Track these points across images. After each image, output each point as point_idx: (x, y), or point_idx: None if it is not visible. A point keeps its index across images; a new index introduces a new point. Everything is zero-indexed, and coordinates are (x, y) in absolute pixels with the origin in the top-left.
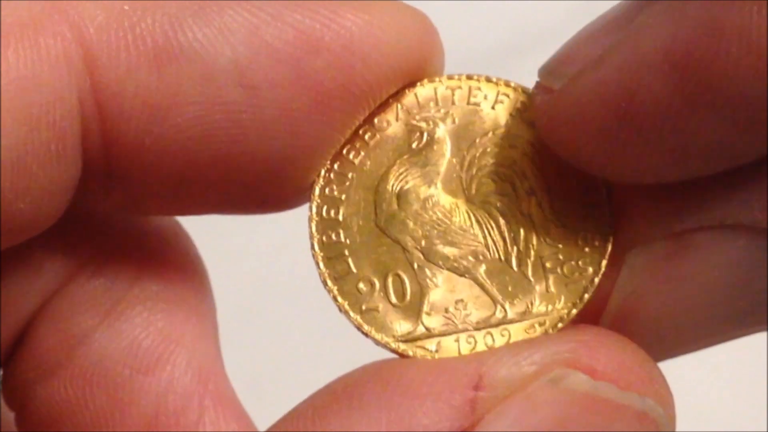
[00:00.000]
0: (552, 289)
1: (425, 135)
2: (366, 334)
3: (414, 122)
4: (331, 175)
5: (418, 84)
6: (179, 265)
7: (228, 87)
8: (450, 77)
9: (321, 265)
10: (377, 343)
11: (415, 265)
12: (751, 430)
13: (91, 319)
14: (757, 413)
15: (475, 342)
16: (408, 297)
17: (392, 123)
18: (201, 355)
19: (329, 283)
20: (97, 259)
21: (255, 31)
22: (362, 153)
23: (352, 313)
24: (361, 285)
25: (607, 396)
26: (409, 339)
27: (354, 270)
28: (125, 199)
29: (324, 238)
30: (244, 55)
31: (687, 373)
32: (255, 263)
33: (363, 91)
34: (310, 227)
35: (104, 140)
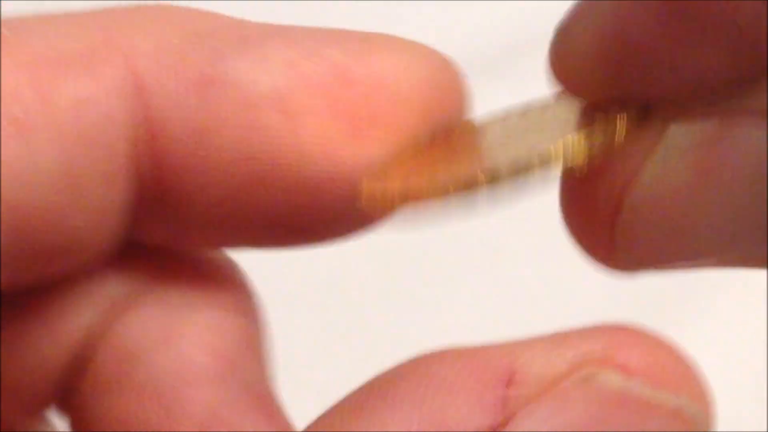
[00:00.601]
0: None
1: None
2: None
3: None
4: None
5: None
6: (233, 291)
7: (266, 113)
8: None
9: None
10: None
11: None
12: (751, 430)
13: (149, 339)
14: (757, 413)
15: None
16: None
17: None
18: (250, 372)
19: None
20: (155, 285)
21: (292, 63)
22: None
23: None
24: None
25: (640, 394)
26: None
27: None
28: (176, 227)
29: None
30: (282, 84)
31: None
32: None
33: (391, 124)
34: None
35: (154, 162)
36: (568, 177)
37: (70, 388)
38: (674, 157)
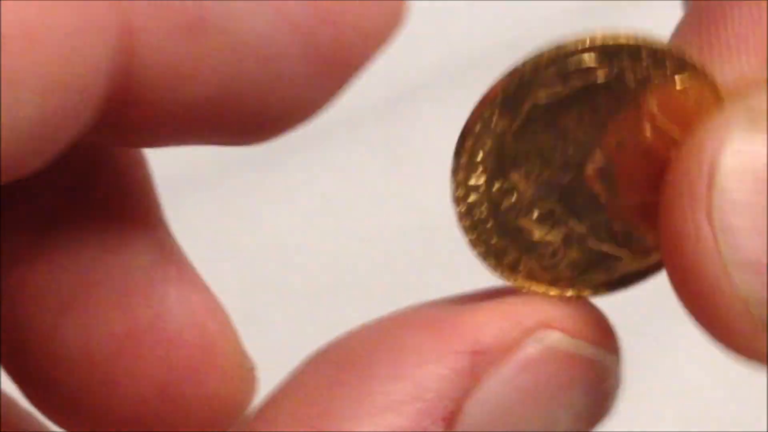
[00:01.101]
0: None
1: None
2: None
3: None
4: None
5: None
6: (128, 155)
7: (248, 58)
8: None
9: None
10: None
11: None
12: (751, 430)
13: (49, 205)
14: (757, 413)
15: None
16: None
17: None
18: (158, 232)
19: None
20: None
21: (279, 7)
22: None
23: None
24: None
25: (583, 352)
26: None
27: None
28: (122, 141)
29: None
30: (267, 30)
31: (687, 373)
32: (256, 259)
33: (356, 64)
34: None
35: (125, 102)
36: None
37: None
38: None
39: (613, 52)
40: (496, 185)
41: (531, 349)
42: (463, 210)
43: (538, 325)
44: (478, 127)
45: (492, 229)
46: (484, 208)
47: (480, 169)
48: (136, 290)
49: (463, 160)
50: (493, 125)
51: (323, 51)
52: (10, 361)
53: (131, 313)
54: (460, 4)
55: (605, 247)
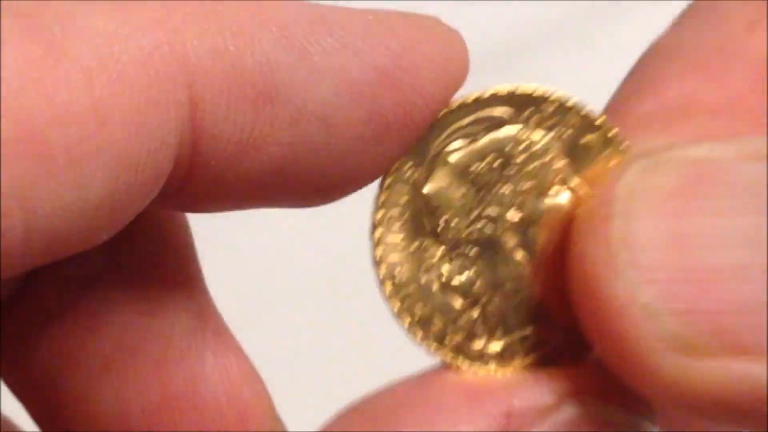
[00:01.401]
0: None
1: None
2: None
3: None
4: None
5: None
6: (171, 219)
7: (313, 128)
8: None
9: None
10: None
11: None
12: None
13: (93, 265)
14: None
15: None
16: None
17: None
18: (197, 291)
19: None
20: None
21: (341, 72)
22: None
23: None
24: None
25: (617, 418)
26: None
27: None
28: (176, 206)
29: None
30: (329, 97)
31: None
32: (261, 263)
33: (417, 121)
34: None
35: (189, 173)
36: None
37: (11, 323)
38: None
39: (522, 103)
40: (415, 243)
41: (565, 414)
42: (384, 272)
43: (572, 391)
44: (390, 180)
45: (415, 295)
46: (405, 268)
47: (397, 224)
48: (173, 356)
49: (379, 215)
50: (406, 177)
51: (386, 114)
52: (43, 423)
53: (168, 379)
54: (461, 4)
55: (527, 330)
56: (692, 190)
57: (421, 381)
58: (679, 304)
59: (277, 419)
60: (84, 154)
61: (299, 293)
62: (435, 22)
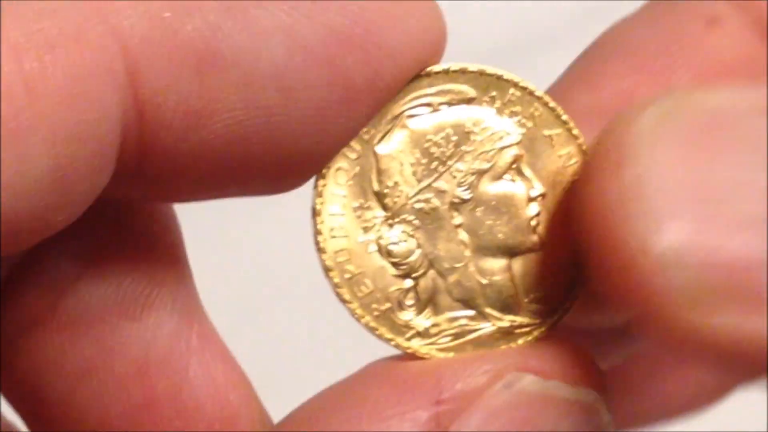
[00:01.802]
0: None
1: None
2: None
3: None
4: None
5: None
6: (157, 221)
7: (266, 91)
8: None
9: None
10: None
11: None
12: (751, 430)
13: (74, 269)
14: (757, 413)
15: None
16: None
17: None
18: (183, 296)
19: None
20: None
21: (291, 32)
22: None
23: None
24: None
25: (558, 393)
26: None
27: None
28: (144, 193)
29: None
30: (281, 58)
31: None
32: (254, 257)
33: (388, 84)
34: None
35: (141, 147)
36: None
37: None
38: None
39: (489, 84)
40: (359, 200)
41: (499, 395)
42: (321, 224)
43: (505, 370)
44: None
45: (350, 253)
46: (343, 224)
47: (344, 178)
48: (156, 360)
49: (328, 167)
50: (361, 132)
51: (352, 76)
52: (31, 424)
53: (150, 384)
54: (461, 4)
55: (459, 311)
56: (710, 141)
57: (355, 378)
58: (694, 256)
59: (266, 423)
60: (19, 128)
61: (293, 291)
62: None
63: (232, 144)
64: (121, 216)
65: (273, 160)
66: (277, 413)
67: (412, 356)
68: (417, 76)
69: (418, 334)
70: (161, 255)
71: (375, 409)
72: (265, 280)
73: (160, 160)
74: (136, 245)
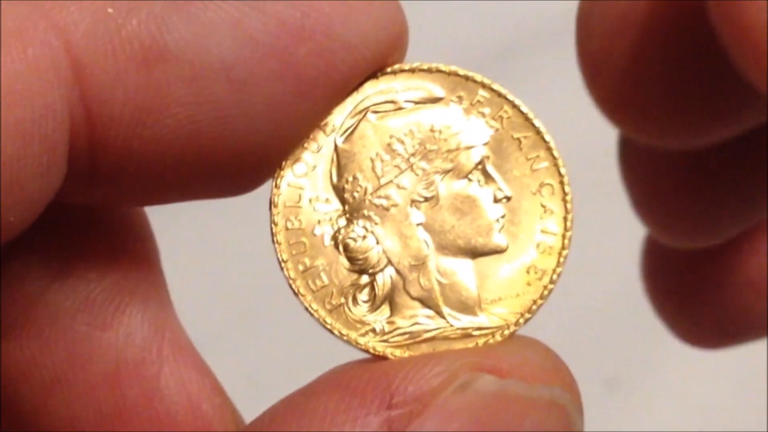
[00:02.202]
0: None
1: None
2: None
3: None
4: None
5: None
6: (129, 228)
7: (215, 84)
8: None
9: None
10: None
11: None
12: (751, 430)
13: (43, 277)
14: (757, 413)
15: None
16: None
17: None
18: (155, 305)
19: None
20: (48, 221)
21: (239, 25)
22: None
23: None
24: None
25: (516, 392)
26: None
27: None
28: (103, 195)
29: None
30: (229, 51)
31: (687, 374)
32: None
33: (344, 76)
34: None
35: (92, 145)
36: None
37: None
38: None
39: (459, 85)
40: (318, 192)
41: (454, 396)
42: (278, 215)
43: (460, 370)
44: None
45: (306, 245)
46: (301, 215)
47: (304, 169)
48: (126, 369)
49: (288, 159)
50: (324, 123)
51: (305, 68)
52: (8, 429)
53: (121, 393)
54: (461, 4)
55: (415, 310)
56: None
57: (311, 385)
58: None
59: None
60: None
61: (260, 289)
62: None
63: (184, 140)
64: (92, 223)
65: (228, 156)
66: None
67: (368, 353)
68: (383, 72)
69: (373, 331)
70: (133, 262)
71: (326, 417)
72: (236, 280)
73: (113, 158)
74: (108, 253)
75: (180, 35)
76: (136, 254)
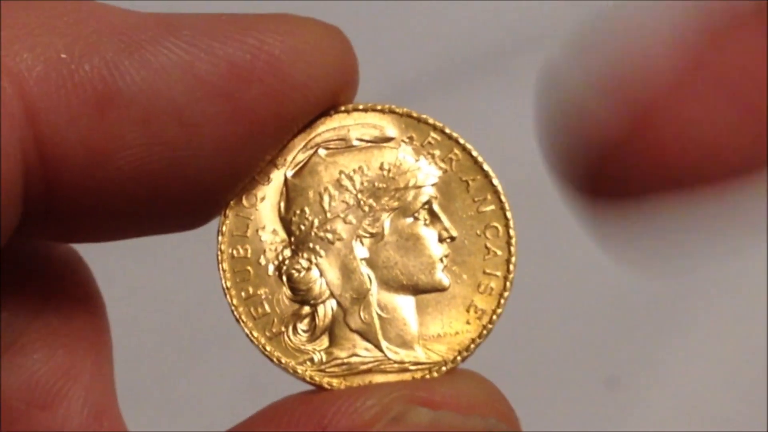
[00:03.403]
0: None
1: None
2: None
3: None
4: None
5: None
6: (80, 297)
7: (167, 126)
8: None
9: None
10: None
11: None
12: (751, 430)
13: None
14: (757, 413)
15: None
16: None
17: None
18: (97, 393)
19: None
20: (1, 290)
21: (190, 68)
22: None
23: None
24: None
25: (450, 423)
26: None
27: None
28: (58, 232)
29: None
30: (181, 94)
31: (687, 374)
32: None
33: (294, 116)
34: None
35: (47, 186)
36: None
37: None
38: None
39: (412, 126)
40: (265, 223)
41: (387, 429)
42: (224, 243)
43: (393, 403)
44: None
45: (250, 273)
46: (247, 245)
47: (253, 200)
48: None
49: (238, 187)
50: (274, 156)
51: (255, 109)
52: None
53: None
54: (460, 4)
55: (353, 342)
56: None
57: (248, 420)
58: None
59: None
60: None
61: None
62: (308, 19)
63: (137, 180)
64: (44, 296)
65: (180, 194)
66: None
67: (305, 382)
68: (337, 110)
69: (311, 360)
70: (82, 339)
71: None
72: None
73: (67, 198)
74: (58, 327)
75: (132, 80)
76: (86, 330)
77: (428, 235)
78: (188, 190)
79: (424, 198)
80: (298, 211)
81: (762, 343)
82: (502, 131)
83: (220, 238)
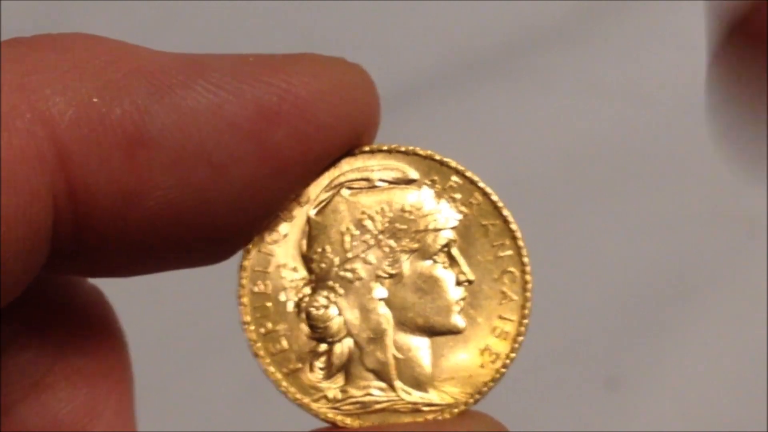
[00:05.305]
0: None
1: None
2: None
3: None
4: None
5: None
6: (103, 334)
7: (196, 168)
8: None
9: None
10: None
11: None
12: (751, 430)
13: (16, 392)
14: (757, 413)
15: None
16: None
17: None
18: (120, 429)
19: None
20: (26, 328)
21: (218, 111)
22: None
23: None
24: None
25: None
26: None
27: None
28: (79, 267)
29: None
30: (209, 136)
31: (687, 374)
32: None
33: (319, 156)
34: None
35: (76, 226)
36: None
37: None
38: None
39: (433, 169)
40: (287, 260)
41: None
42: (245, 278)
43: None
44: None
45: (270, 309)
46: (268, 281)
47: (276, 237)
48: None
49: (262, 225)
50: (299, 194)
51: (281, 150)
52: None
53: None
54: (460, 4)
55: (369, 382)
56: None
57: None
58: None
59: None
60: None
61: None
62: (332, 59)
63: (165, 221)
64: (68, 337)
65: (207, 232)
66: None
67: (318, 419)
68: (361, 150)
69: (326, 398)
70: (105, 379)
71: None
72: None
73: (96, 239)
74: (82, 366)
75: (162, 123)
76: (109, 368)
77: (446, 277)
78: (215, 228)
79: (443, 241)
80: (319, 250)
81: (762, 343)
82: (504, 131)
83: (242, 273)
